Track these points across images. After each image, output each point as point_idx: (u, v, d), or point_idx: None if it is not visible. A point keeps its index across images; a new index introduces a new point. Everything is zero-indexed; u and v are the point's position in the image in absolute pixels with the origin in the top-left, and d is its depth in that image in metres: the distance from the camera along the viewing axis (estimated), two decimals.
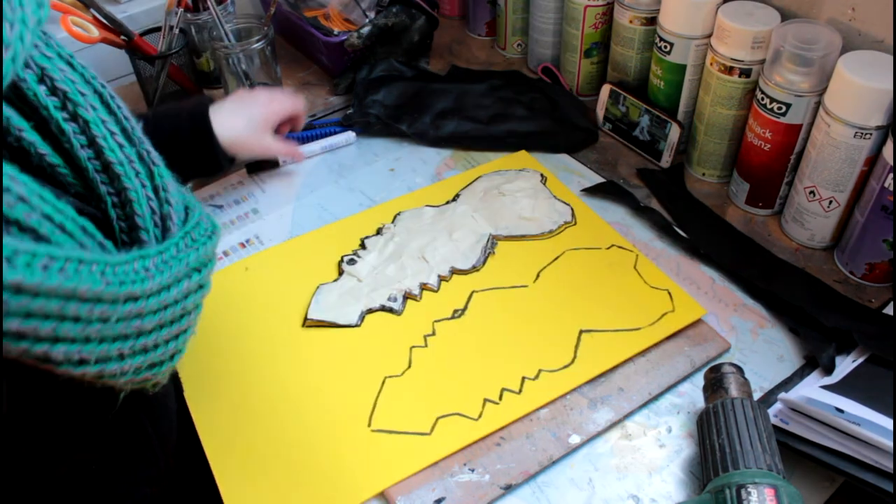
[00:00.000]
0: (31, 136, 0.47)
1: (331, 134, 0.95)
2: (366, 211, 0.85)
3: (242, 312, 0.74)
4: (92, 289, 0.43)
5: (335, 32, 1.02)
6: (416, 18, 1.02)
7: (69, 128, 0.48)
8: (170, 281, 0.50)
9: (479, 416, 0.65)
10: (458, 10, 1.18)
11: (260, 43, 0.93)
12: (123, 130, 0.52)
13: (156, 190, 0.52)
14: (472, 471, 0.62)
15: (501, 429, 0.64)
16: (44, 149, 0.48)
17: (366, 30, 0.98)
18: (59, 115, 0.48)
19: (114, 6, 1.05)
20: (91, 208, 0.51)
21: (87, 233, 0.46)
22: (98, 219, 0.50)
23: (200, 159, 0.80)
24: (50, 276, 0.40)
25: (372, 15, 1.04)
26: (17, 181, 0.41)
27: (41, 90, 0.48)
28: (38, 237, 0.42)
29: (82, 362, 0.45)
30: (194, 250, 0.53)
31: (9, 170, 0.41)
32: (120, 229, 0.51)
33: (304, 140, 0.95)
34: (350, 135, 0.93)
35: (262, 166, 0.90)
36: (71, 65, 0.51)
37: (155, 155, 0.53)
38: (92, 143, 0.49)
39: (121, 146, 0.51)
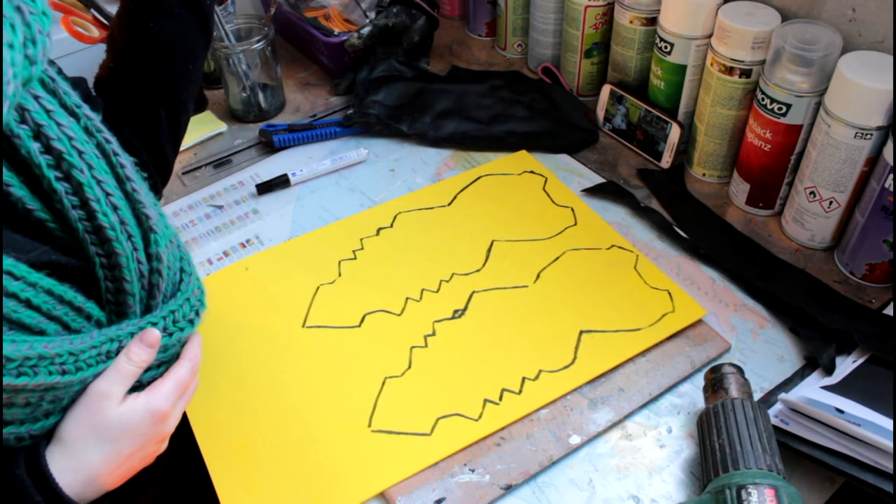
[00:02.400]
0: (19, 191, 0.47)
1: (332, 135, 0.96)
2: (366, 211, 0.85)
3: (242, 313, 0.74)
4: (47, 381, 0.45)
5: (335, 33, 1.02)
6: (416, 19, 1.02)
7: (61, 187, 0.47)
8: None
9: (480, 416, 0.65)
10: (458, 10, 1.18)
11: (260, 43, 0.93)
12: (123, 192, 0.50)
13: (149, 257, 0.51)
14: (473, 471, 0.62)
15: (502, 429, 0.64)
16: (32, 204, 0.47)
17: (366, 30, 0.99)
18: (52, 174, 0.47)
19: (114, 6, 1.05)
20: (79, 262, 0.50)
21: (63, 301, 0.47)
22: (86, 274, 0.50)
23: None
24: (6, 375, 0.42)
25: (372, 15, 1.04)
26: (15, 276, 0.43)
27: (35, 147, 0.46)
28: (23, 327, 0.44)
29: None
30: (168, 335, 0.53)
31: (9, 264, 0.43)
32: (106, 289, 0.50)
33: (305, 140, 0.95)
34: (362, 151, 0.93)
35: (272, 186, 0.89)
36: (76, 116, 0.49)
37: (155, 221, 0.52)
38: (84, 204, 0.48)
39: (115, 209, 0.49)
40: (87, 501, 0.49)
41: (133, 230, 0.50)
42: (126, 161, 0.51)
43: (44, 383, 0.44)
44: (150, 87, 0.56)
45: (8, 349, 0.43)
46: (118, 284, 0.50)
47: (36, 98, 0.47)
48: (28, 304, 0.45)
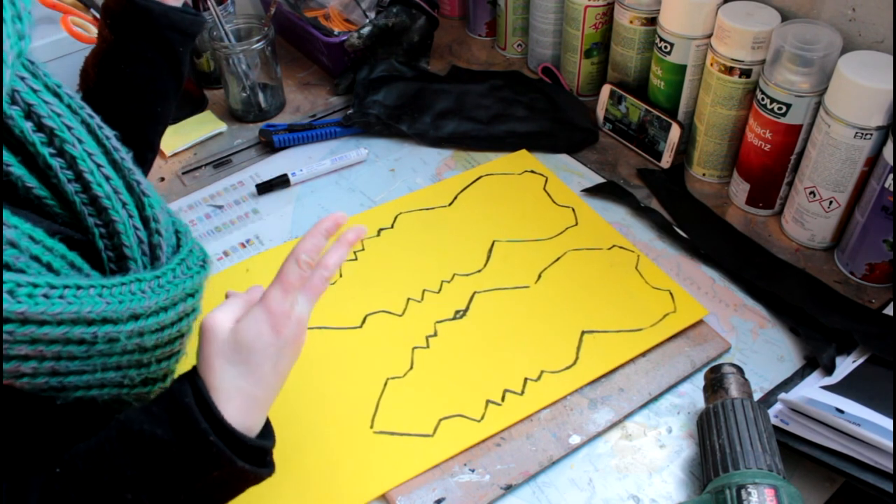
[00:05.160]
0: (18, 170, 0.48)
1: (332, 135, 0.96)
2: (366, 211, 0.85)
3: None
4: (94, 310, 0.45)
5: (335, 33, 1.02)
6: (416, 19, 1.02)
7: (56, 163, 0.49)
8: (167, 303, 0.52)
9: (482, 417, 0.65)
10: (458, 10, 1.17)
11: (260, 43, 0.93)
12: (112, 162, 0.52)
13: (145, 221, 0.53)
14: (473, 471, 0.62)
15: (503, 430, 0.64)
16: (31, 182, 0.49)
17: (366, 30, 0.98)
18: (46, 151, 0.49)
19: None
20: (80, 235, 0.51)
21: (74, 267, 0.48)
22: (87, 247, 0.51)
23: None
24: (53, 304, 0.43)
25: (372, 15, 1.04)
26: (9, 225, 0.44)
27: (28, 126, 0.48)
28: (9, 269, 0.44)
29: (80, 388, 0.47)
30: (189, 277, 0.54)
31: (27, 228, 0.44)
32: (108, 259, 0.52)
33: (305, 140, 0.95)
34: (362, 151, 0.93)
35: (272, 186, 0.89)
36: (58, 95, 0.51)
37: (146, 185, 0.53)
38: (79, 177, 0.50)
39: (108, 178, 0.51)
40: (256, 424, 0.49)
41: (126, 198, 0.52)
42: (110, 133, 0.53)
43: (93, 311, 0.45)
44: (117, 126, 0.59)
45: (48, 279, 0.44)
46: (119, 252, 0.52)
47: (22, 79, 0.49)
48: (49, 267, 0.46)
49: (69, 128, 0.50)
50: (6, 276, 0.42)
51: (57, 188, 0.50)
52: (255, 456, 0.48)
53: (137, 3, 0.63)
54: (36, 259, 0.45)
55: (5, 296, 0.41)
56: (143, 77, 0.65)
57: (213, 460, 0.46)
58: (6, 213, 0.45)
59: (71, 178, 0.50)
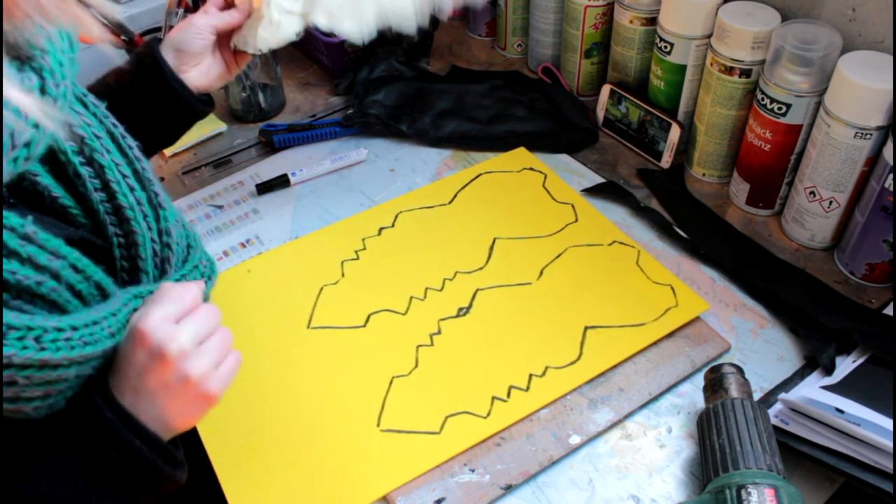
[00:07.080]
0: (45, 180, 0.49)
1: (332, 135, 0.96)
2: (366, 211, 0.85)
3: (246, 315, 0.74)
4: (107, 347, 0.46)
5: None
6: None
7: (85, 172, 0.50)
8: None
9: (488, 413, 0.65)
10: (458, 10, 1.17)
11: None
12: (135, 172, 0.53)
13: (160, 233, 0.53)
14: (473, 471, 0.62)
15: (504, 428, 0.64)
16: (57, 192, 0.49)
17: None
18: (77, 160, 0.49)
19: (114, 7, 1.05)
20: (98, 240, 0.51)
21: (97, 285, 0.48)
22: (104, 253, 0.51)
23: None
24: (74, 348, 0.43)
25: None
26: (47, 249, 0.43)
27: (61, 135, 0.48)
28: (34, 296, 0.44)
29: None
30: None
31: (30, 228, 0.43)
32: (121, 268, 0.52)
33: (305, 140, 0.95)
34: (362, 151, 0.93)
35: (272, 186, 0.89)
36: (84, 104, 0.51)
37: (163, 198, 0.54)
38: (106, 186, 0.50)
39: (132, 189, 0.52)
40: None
41: (147, 210, 0.52)
42: (133, 143, 0.54)
43: (106, 347, 0.45)
44: None
45: (71, 321, 0.43)
46: (133, 263, 0.52)
47: None
48: (56, 276, 0.45)
49: (98, 137, 0.50)
50: (34, 321, 0.41)
51: (83, 197, 0.50)
52: (158, 450, 0.47)
53: (167, 75, 0.68)
54: (44, 269, 0.44)
55: (30, 342, 0.41)
56: (147, 121, 0.67)
57: (108, 437, 0.45)
58: (38, 229, 0.44)
59: (98, 186, 0.50)
